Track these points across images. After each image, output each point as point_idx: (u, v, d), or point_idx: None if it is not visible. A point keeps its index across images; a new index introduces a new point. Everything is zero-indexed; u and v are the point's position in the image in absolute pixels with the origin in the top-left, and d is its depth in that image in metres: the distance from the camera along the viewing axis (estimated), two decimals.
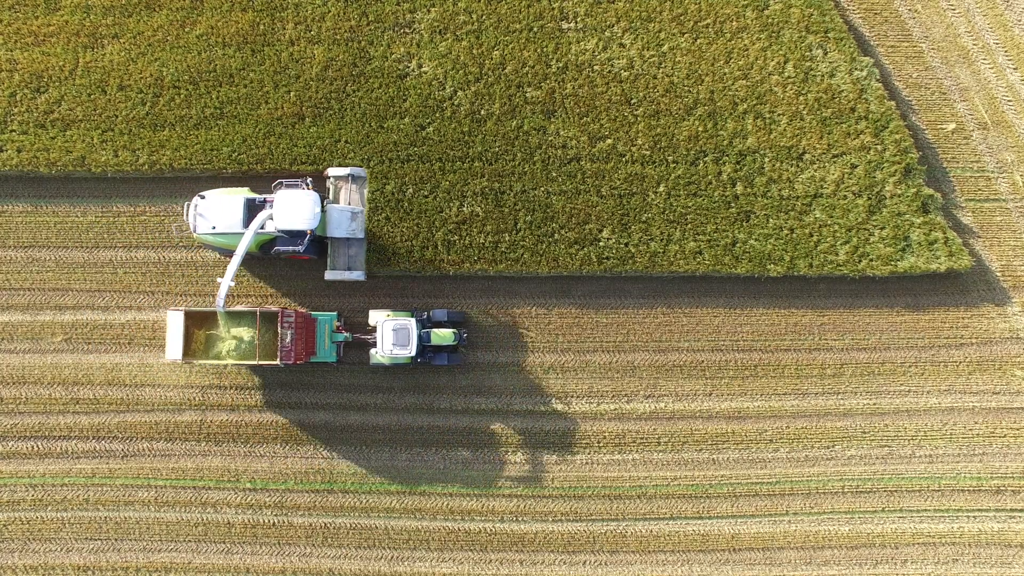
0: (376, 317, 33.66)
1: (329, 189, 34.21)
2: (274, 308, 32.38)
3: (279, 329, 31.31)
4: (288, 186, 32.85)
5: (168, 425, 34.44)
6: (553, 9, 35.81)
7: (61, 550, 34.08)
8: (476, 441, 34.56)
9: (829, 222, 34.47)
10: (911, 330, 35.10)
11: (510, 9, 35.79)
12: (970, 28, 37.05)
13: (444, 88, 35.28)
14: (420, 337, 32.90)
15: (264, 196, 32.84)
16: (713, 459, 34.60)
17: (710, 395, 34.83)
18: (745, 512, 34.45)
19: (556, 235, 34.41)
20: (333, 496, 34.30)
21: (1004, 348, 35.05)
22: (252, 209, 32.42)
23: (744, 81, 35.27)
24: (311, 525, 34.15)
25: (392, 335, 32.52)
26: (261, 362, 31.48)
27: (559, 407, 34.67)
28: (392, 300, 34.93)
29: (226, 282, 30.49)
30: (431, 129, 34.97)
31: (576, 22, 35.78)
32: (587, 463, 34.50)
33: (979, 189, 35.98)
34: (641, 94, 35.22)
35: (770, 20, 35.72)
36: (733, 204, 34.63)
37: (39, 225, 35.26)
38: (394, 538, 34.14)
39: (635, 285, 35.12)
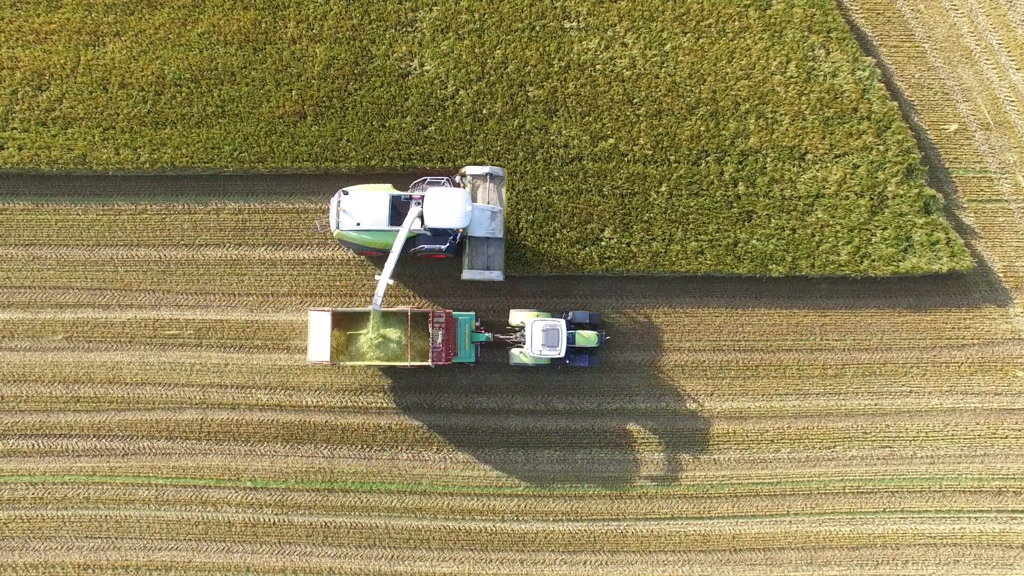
0: (518, 317, 33.54)
1: (466, 188, 33.53)
2: (417, 309, 32.21)
3: (430, 330, 31.20)
4: (431, 184, 32.40)
5: (168, 424, 34.40)
6: (555, 8, 35.77)
7: (61, 548, 34.04)
8: (477, 440, 34.52)
9: (831, 222, 34.44)
10: (913, 331, 35.06)
11: (512, 8, 35.75)
12: (973, 28, 37.01)
13: (446, 87, 35.24)
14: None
15: (408, 193, 32.40)
16: (714, 459, 34.56)
17: (711, 395, 34.79)
18: (746, 512, 34.41)
19: (558, 235, 34.36)
20: (334, 495, 34.26)
21: (1006, 349, 35.01)
22: (396, 206, 31.96)
23: (746, 81, 35.23)
24: (311, 524, 34.12)
25: (542, 335, 32.47)
26: (411, 363, 31.29)
27: (560, 406, 34.62)
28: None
29: (383, 281, 30.00)
30: (433, 128, 34.92)
31: (578, 21, 35.73)
32: (588, 462, 34.46)
33: (981, 190, 35.94)
34: (643, 93, 35.18)
35: (772, 20, 35.69)
36: (735, 204, 34.59)
37: (40, 223, 35.23)
38: (395, 537, 34.10)
39: (637, 285, 35.08)
